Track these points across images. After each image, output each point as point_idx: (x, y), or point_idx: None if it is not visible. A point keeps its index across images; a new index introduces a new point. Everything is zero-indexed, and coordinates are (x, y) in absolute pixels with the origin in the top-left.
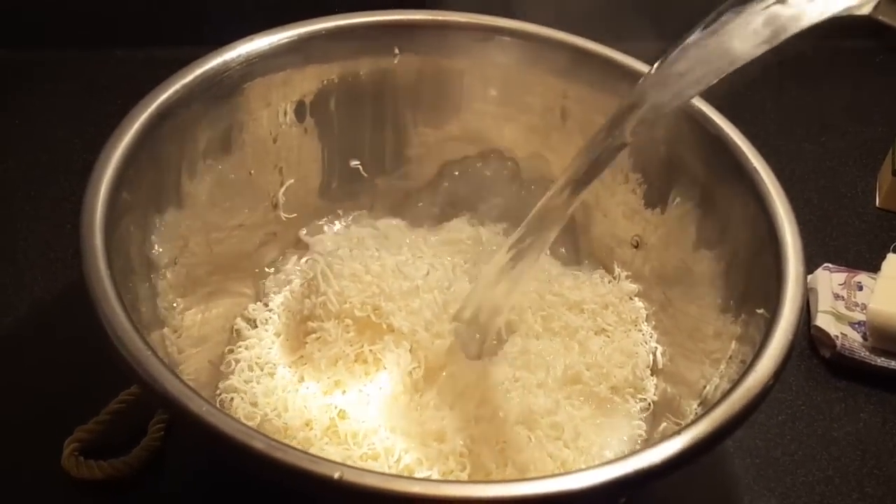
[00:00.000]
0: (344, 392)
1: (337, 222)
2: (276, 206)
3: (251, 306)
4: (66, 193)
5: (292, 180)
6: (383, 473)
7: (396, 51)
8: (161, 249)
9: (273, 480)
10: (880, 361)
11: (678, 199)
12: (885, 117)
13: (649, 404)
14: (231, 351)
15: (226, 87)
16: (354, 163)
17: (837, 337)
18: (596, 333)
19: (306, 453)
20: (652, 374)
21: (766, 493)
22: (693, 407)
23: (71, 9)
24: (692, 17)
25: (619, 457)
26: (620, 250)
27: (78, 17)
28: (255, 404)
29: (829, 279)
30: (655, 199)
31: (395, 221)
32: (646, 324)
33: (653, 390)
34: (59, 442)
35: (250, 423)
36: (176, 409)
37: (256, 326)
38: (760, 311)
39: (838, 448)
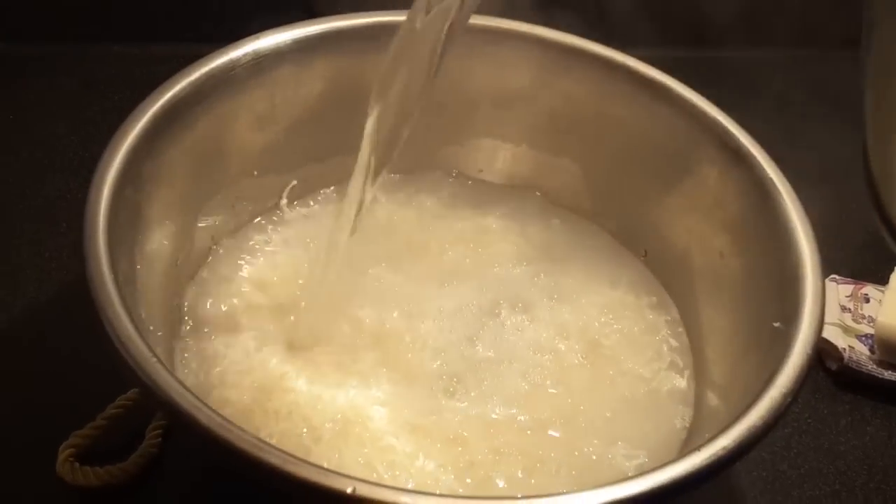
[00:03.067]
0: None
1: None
2: (278, 207)
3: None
4: (61, 191)
5: (295, 182)
6: (397, 488)
7: None
8: (165, 248)
9: (283, 493)
10: (888, 375)
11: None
12: None
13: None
14: None
15: (233, 85)
16: None
17: (845, 350)
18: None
19: (317, 466)
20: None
21: None
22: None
23: (68, 3)
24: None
25: (629, 476)
26: None
27: (75, 11)
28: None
29: (835, 291)
30: None
31: None
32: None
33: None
34: (54, 447)
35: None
36: (181, 418)
37: None
38: (777, 324)
39: (844, 462)
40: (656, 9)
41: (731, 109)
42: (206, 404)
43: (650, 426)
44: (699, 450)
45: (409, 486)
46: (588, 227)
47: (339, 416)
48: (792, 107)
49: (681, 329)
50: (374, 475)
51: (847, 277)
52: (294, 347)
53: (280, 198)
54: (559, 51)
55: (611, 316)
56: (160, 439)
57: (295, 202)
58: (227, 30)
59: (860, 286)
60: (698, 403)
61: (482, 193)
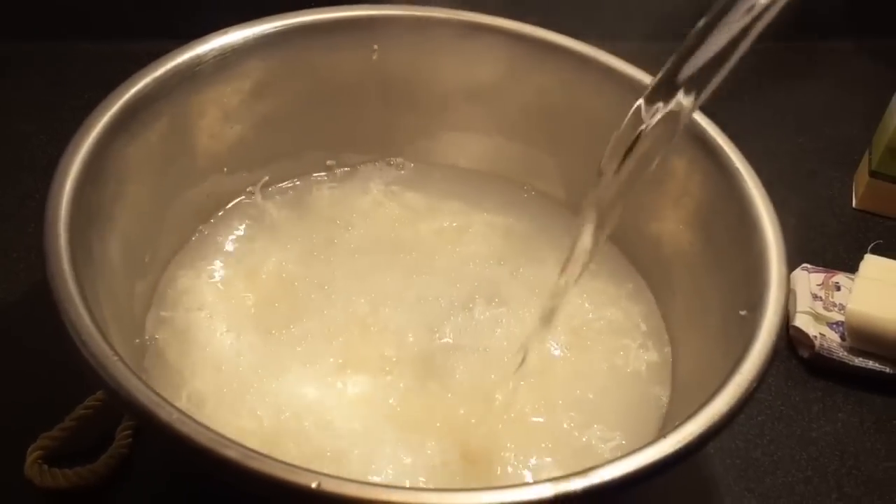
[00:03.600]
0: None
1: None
2: (250, 201)
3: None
4: (29, 191)
5: (266, 177)
6: (363, 482)
7: (375, 47)
8: (133, 246)
9: (248, 490)
10: (858, 362)
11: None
12: (862, 118)
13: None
14: None
15: (198, 81)
16: (329, 161)
17: (816, 337)
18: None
19: (282, 462)
20: None
21: (746, 493)
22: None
23: (37, 1)
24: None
25: (596, 465)
26: None
27: (45, 9)
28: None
29: (807, 279)
30: None
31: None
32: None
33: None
34: (23, 449)
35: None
36: (144, 417)
37: None
38: (743, 312)
39: (817, 448)
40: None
41: (707, 109)
42: (168, 402)
43: (629, 410)
44: (666, 437)
45: (375, 478)
46: (564, 216)
47: (302, 403)
48: (764, 98)
49: (658, 316)
50: (340, 464)
51: (818, 266)
52: (262, 335)
53: (252, 193)
54: (530, 45)
55: (590, 305)
56: (130, 440)
57: (267, 195)
58: (200, 27)
59: (831, 274)
60: (676, 385)
61: (455, 184)
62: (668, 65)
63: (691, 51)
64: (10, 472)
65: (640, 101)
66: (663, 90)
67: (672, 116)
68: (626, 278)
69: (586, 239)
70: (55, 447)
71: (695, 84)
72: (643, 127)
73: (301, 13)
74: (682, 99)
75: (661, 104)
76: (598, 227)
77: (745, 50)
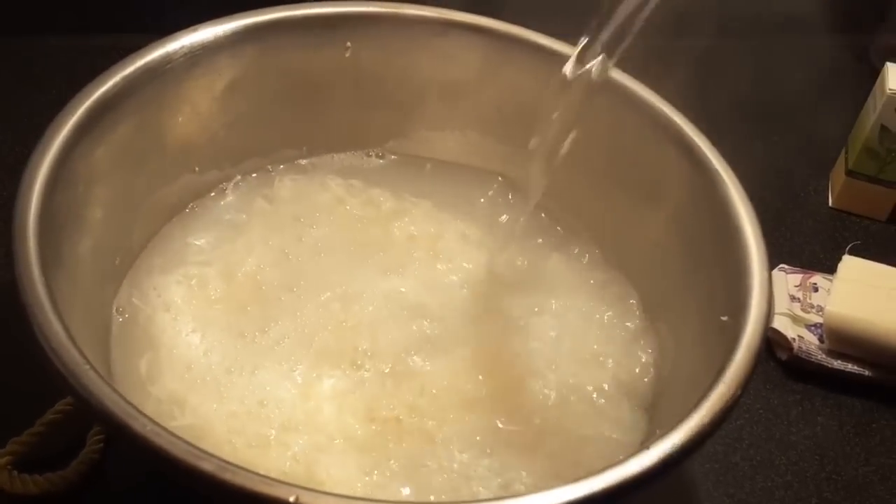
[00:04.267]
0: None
1: None
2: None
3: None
4: None
5: (239, 177)
6: (342, 495)
7: (348, 44)
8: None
9: (224, 501)
10: (837, 364)
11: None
12: (838, 116)
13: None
14: None
15: (168, 79)
16: (302, 161)
17: (794, 339)
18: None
19: (258, 475)
20: None
21: (725, 499)
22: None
23: None
24: None
25: (579, 477)
26: None
27: (10, 2)
28: None
29: (784, 280)
30: None
31: None
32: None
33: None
34: None
35: None
36: (118, 427)
37: None
38: (724, 318)
39: (796, 452)
40: None
41: (679, 99)
42: (141, 412)
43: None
44: (648, 449)
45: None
46: (544, 216)
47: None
48: (740, 96)
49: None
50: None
51: (796, 267)
52: (232, 335)
53: (224, 191)
54: (503, 41)
55: (574, 303)
56: (101, 445)
57: (238, 193)
58: (169, 21)
59: (809, 275)
60: (657, 392)
61: (428, 181)
62: (588, 33)
63: (606, 17)
64: None
65: (565, 68)
66: (583, 57)
67: (589, 79)
68: (613, 281)
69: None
70: (25, 453)
71: (607, 48)
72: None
73: (273, 10)
74: (597, 62)
75: (579, 68)
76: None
77: (647, 15)
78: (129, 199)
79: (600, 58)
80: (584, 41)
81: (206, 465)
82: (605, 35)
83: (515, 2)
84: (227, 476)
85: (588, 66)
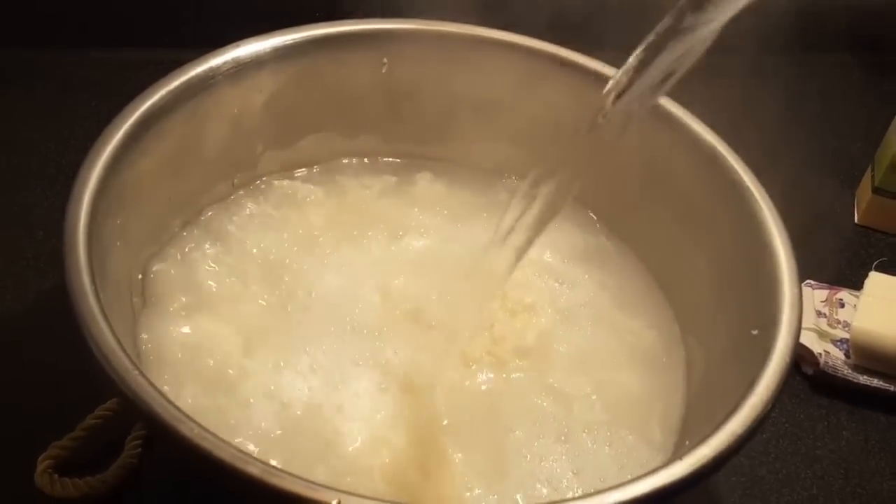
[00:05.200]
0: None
1: None
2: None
3: None
4: (37, 199)
5: (271, 183)
6: (383, 500)
7: (385, 60)
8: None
9: None
10: (863, 380)
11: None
12: (864, 133)
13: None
14: None
15: (212, 93)
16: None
17: (821, 354)
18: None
19: (302, 479)
20: None
21: None
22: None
23: (44, 9)
24: None
25: (611, 486)
26: None
27: (51, 17)
28: None
29: (811, 296)
30: None
31: None
32: None
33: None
34: (33, 459)
35: None
36: (165, 431)
37: None
38: (755, 332)
39: (822, 467)
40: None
41: (706, 116)
42: (188, 416)
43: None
44: (680, 459)
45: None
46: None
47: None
48: (766, 112)
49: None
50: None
51: (822, 282)
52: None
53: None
54: (539, 59)
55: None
56: (140, 450)
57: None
58: (205, 35)
59: (835, 291)
60: (688, 403)
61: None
62: (634, 59)
63: (658, 50)
64: (21, 481)
65: (609, 91)
66: (626, 84)
67: (632, 107)
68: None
69: (534, 211)
70: (65, 456)
71: (654, 80)
72: (603, 114)
73: (313, 26)
74: (642, 92)
75: (623, 95)
76: (546, 210)
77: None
78: (168, 210)
79: (646, 88)
80: (629, 68)
81: (252, 469)
82: (654, 67)
83: (550, 20)
84: (272, 479)
85: (631, 95)
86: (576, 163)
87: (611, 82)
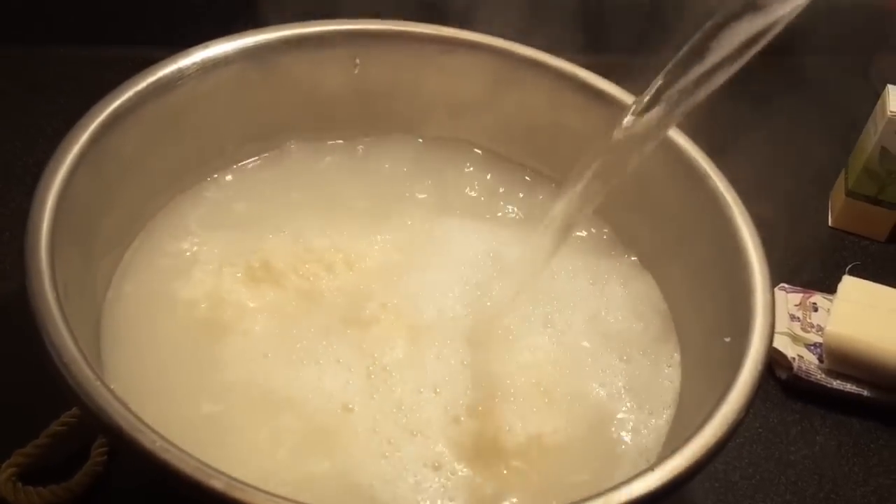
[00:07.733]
0: None
1: None
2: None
3: None
4: (4, 198)
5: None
6: None
7: (357, 61)
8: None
9: None
10: (836, 384)
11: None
12: (838, 136)
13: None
14: None
15: (179, 94)
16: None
17: (794, 359)
18: None
19: (269, 493)
20: None
21: None
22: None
23: (11, 4)
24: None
25: (586, 497)
26: None
27: (19, 13)
28: None
29: (785, 300)
30: None
31: None
32: None
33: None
34: None
35: None
36: (127, 442)
37: None
38: (728, 339)
39: (795, 472)
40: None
41: (680, 127)
42: (150, 427)
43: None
44: (653, 470)
45: None
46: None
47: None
48: (740, 115)
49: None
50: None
51: (796, 286)
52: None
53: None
54: (511, 60)
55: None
56: (106, 457)
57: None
58: (176, 33)
59: (809, 295)
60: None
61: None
62: (658, 81)
63: (683, 69)
64: None
65: (628, 115)
66: (648, 105)
67: (648, 131)
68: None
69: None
70: (29, 464)
71: (676, 102)
72: (618, 137)
73: (283, 27)
74: (661, 115)
75: (642, 118)
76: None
77: (729, 75)
78: (135, 212)
79: (660, 113)
80: (649, 95)
81: (216, 483)
82: (670, 92)
83: (521, 22)
84: (237, 494)
85: (645, 121)
86: (599, 177)
87: (633, 102)
